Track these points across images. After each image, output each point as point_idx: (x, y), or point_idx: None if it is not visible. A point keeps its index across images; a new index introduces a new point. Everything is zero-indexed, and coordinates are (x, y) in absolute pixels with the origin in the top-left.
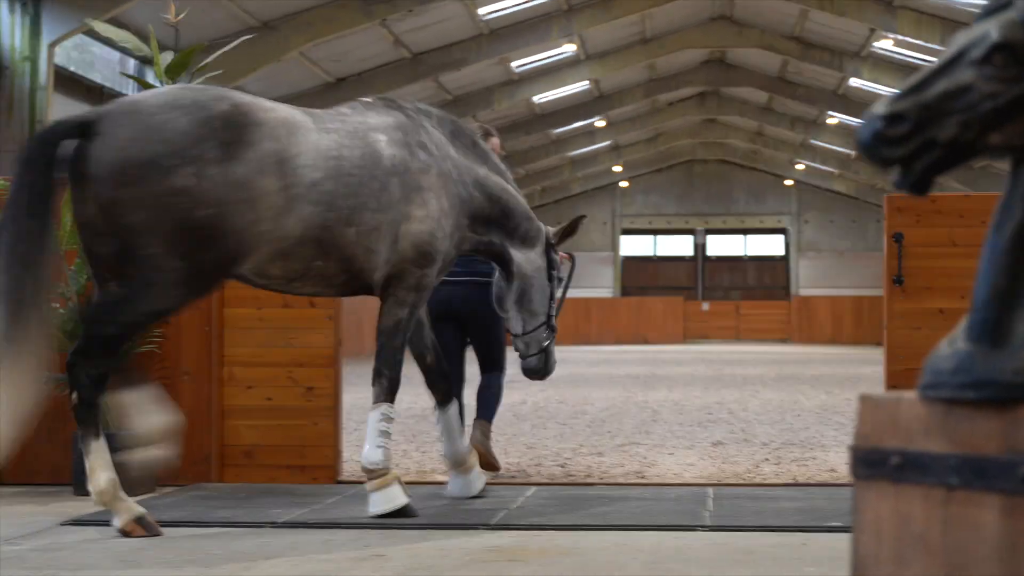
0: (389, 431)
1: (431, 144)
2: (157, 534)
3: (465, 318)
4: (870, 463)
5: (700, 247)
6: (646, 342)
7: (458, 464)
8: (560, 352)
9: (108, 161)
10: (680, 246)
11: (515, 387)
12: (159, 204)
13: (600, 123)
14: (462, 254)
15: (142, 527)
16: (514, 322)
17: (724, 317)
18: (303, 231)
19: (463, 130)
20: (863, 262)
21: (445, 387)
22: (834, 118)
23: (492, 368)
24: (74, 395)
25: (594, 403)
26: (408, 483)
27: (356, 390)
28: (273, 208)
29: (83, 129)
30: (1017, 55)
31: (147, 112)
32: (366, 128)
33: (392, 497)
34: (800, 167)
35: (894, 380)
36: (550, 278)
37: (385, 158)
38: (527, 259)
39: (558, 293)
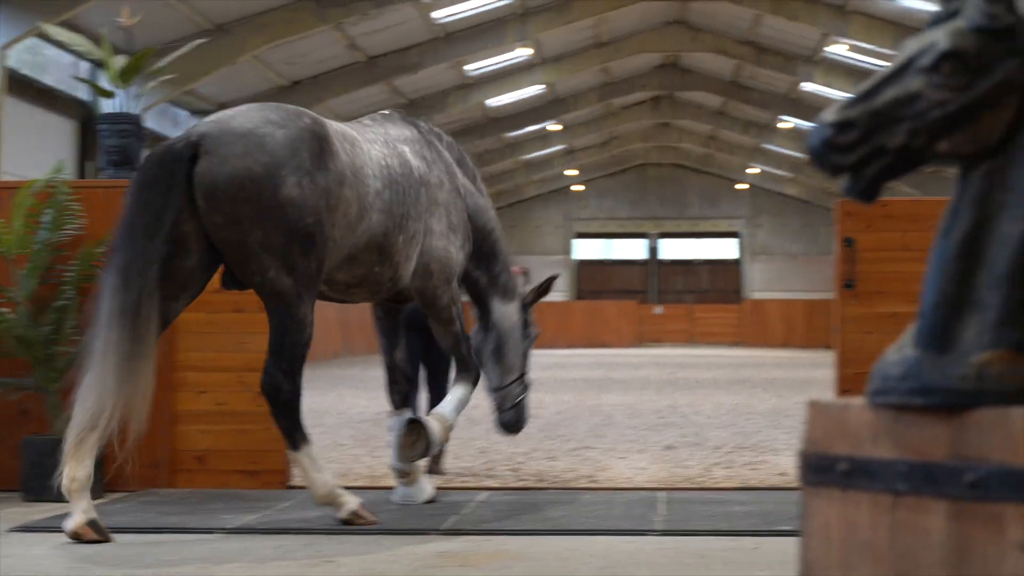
0: (459, 413)
1: (443, 162)
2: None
3: (425, 329)
4: (818, 469)
5: (653, 251)
6: (600, 345)
7: (405, 473)
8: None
9: (226, 179)
10: (634, 250)
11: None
12: (273, 218)
13: (554, 127)
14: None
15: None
16: (490, 376)
17: (678, 320)
18: (369, 238)
19: (467, 160)
20: (815, 266)
21: (406, 392)
22: (787, 122)
23: (439, 381)
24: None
25: (548, 407)
26: (360, 488)
27: (310, 394)
28: (348, 216)
29: (191, 149)
30: (966, 63)
31: (246, 129)
32: (392, 139)
33: (422, 489)
34: (753, 171)
35: (846, 384)
36: (525, 335)
37: (414, 168)
38: (506, 312)
39: (529, 349)
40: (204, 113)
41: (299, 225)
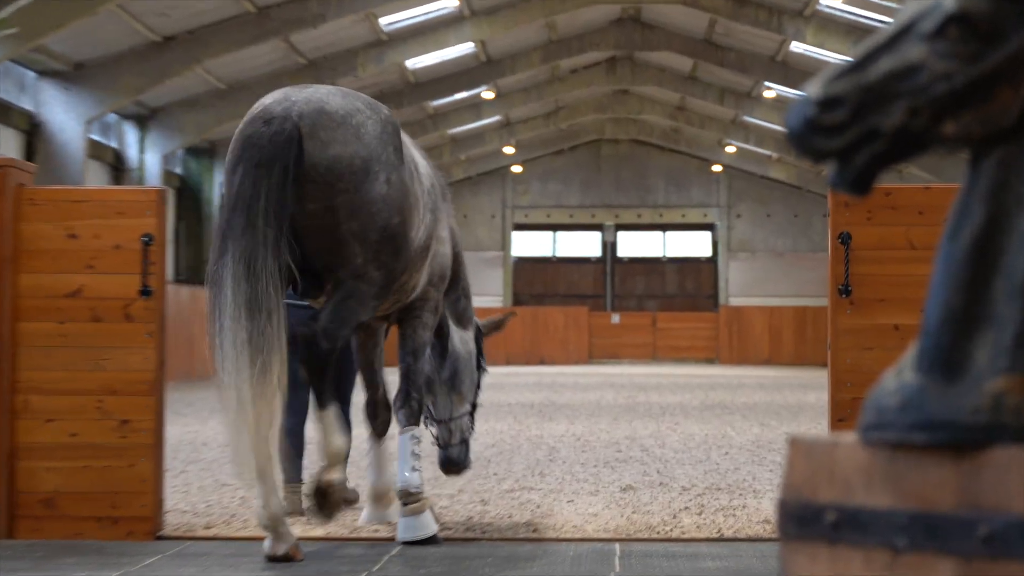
0: (420, 454)
1: (430, 166)
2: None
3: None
4: (801, 520)
5: (609, 246)
6: (542, 362)
7: (379, 497)
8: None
9: (327, 165)
10: (585, 245)
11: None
12: (370, 212)
13: (488, 94)
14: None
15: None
16: (441, 406)
17: (638, 332)
18: (425, 238)
19: (439, 175)
20: (806, 265)
21: (386, 418)
22: (772, 90)
23: (341, 401)
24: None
25: (477, 438)
26: (245, 539)
27: (183, 422)
28: (418, 214)
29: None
30: (976, 28)
31: (340, 115)
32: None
33: (425, 524)
34: (731, 149)
35: (841, 411)
36: (479, 366)
37: (423, 174)
38: (462, 339)
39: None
40: (57, 75)
41: (391, 223)
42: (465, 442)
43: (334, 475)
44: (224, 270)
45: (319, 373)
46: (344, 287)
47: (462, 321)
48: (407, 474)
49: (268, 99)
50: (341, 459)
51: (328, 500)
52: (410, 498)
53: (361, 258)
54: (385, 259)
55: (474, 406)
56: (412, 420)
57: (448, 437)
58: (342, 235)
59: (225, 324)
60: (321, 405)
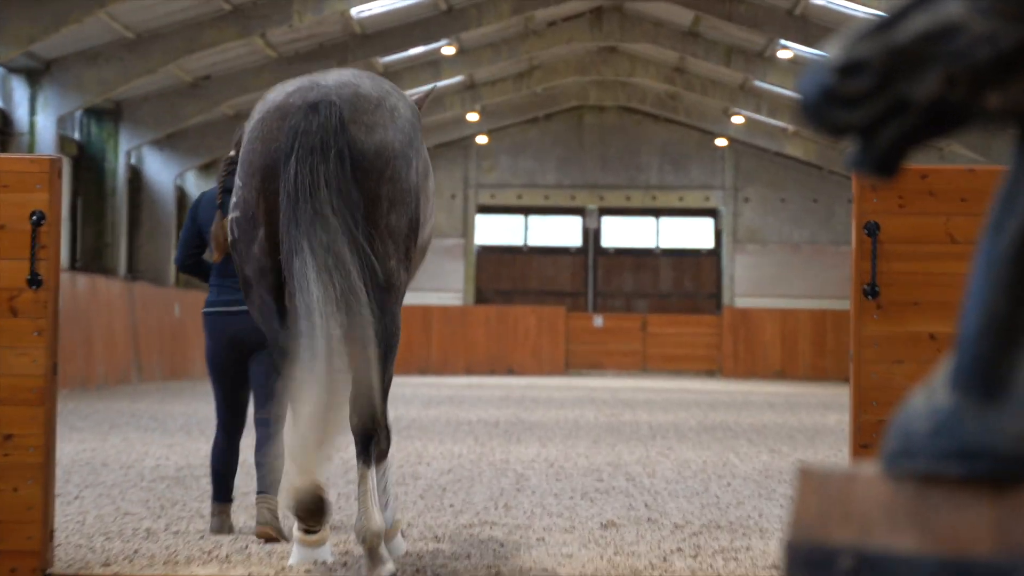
0: (389, 493)
1: None
2: None
3: (253, 353)
4: (812, 565)
5: (592, 234)
6: (510, 372)
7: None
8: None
9: (374, 150)
10: (563, 232)
11: None
12: (405, 202)
13: (448, 50)
14: None
15: None
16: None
17: (625, 338)
18: (428, 235)
19: None
20: (827, 260)
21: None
22: (788, 50)
23: (268, 412)
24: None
25: (430, 462)
26: None
27: (79, 438)
28: (430, 204)
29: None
30: None
31: (375, 97)
32: None
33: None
34: (738, 120)
35: (865, 436)
36: None
37: None
38: None
39: None
40: None
41: (417, 215)
42: None
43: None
44: (305, 266)
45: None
46: (377, 294)
47: None
48: (397, 513)
49: (290, 87)
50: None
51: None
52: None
53: (395, 260)
54: (412, 257)
55: None
56: (382, 458)
57: None
58: (381, 230)
59: (316, 323)
60: (365, 462)
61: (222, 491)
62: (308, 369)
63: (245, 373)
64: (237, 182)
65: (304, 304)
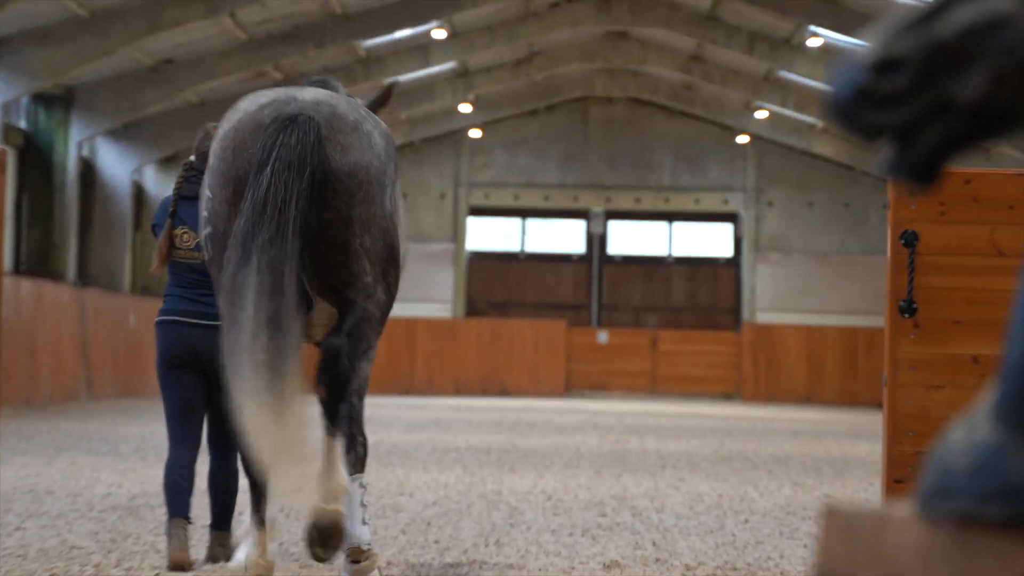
0: (367, 504)
1: None
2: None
3: (211, 371)
4: None
5: (597, 240)
6: (503, 393)
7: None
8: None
9: (348, 171)
10: (565, 237)
11: None
12: (381, 227)
13: (438, 33)
14: None
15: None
16: None
17: (633, 356)
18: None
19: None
20: (859, 272)
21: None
22: (818, 37)
23: (226, 441)
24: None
25: (414, 493)
26: None
27: (21, 463)
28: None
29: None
30: None
31: (355, 120)
32: None
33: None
34: (762, 115)
35: (899, 469)
36: None
37: None
38: None
39: None
40: None
41: (394, 241)
42: None
43: (337, 506)
44: (247, 282)
45: (335, 399)
46: (354, 311)
47: None
48: (357, 529)
49: (265, 98)
50: (339, 497)
51: (332, 537)
52: (361, 555)
53: (371, 276)
54: (390, 281)
55: None
56: (359, 467)
57: None
58: (354, 249)
59: (243, 342)
60: (331, 432)
61: (177, 506)
62: (234, 389)
63: (200, 385)
64: (206, 192)
65: (236, 323)
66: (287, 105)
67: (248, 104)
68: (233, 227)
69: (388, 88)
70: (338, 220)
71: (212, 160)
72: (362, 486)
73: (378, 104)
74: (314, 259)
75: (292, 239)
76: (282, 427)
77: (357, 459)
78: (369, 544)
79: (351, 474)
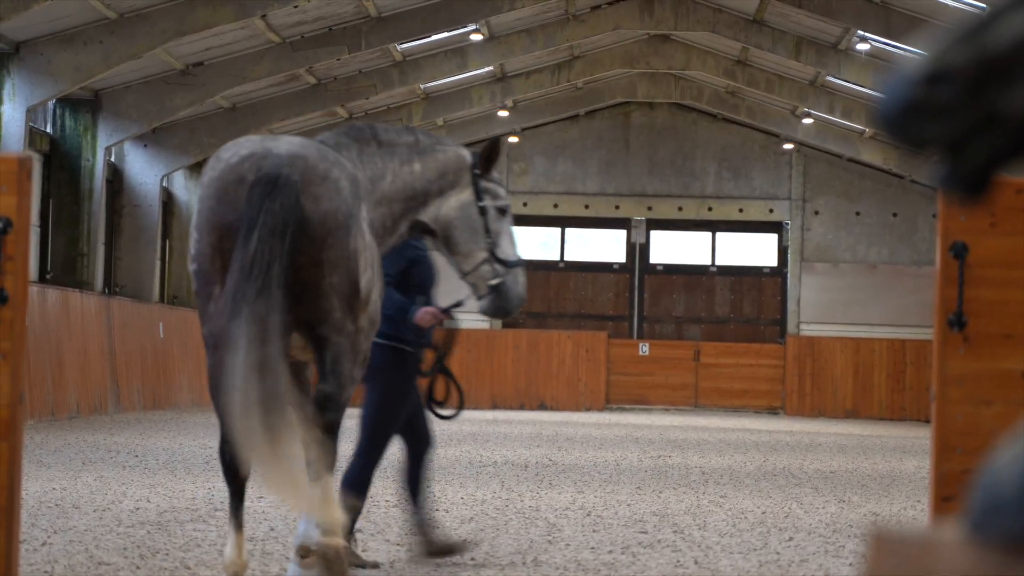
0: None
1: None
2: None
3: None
4: None
5: (638, 249)
6: (542, 407)
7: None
8: None
9: (319, 220)
10: (605, 247)
11: None
12: (348, 268)
13: (476, 36)
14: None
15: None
16: (456, 270)
17: (675, 368)
18: (376, 298)
19: (372, 138)
20: (907, 284)
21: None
22: (867, 42)
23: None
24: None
25: (450, 509)
26: None
27: (48, 476)
28: (366, 275)
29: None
30: None
31: (320, 169)
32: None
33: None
34: (808, 122)
35: (948, 487)
36: (481, 211)
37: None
38: (444, 206)
39: (501, 222)
40: None
41: (361, 280)
42: (495, 290)
43: (337, 538)
44: (238, 331)
45: (331, 438)
46: (329, 348)
47: (443, 191)
48: (310, 529)
49: (244, 150)
50: (337, 529)
51: (336, 565)
52: (307, 554)
53: (339, 312)
54: (357, 312)
55: (491, 249)
56: (327, 472)
57: (475, 292)
58: (324, 289)
59: (236, 385)
60: (325, 468)
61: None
62: (231, 431)
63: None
64: (193, 233)
65: (229, 370)
66: (264, 160)
67: (229, 155)
68: (213, 266)
69: (494, 143)
70: (310, 263)
71: (199, 205)
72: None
73: (487, 160)
74: (288, 298)
75: (276, 292)
76: (276, 459)
77: (323, 464)
78: (317, 545)
79: (320, 477)
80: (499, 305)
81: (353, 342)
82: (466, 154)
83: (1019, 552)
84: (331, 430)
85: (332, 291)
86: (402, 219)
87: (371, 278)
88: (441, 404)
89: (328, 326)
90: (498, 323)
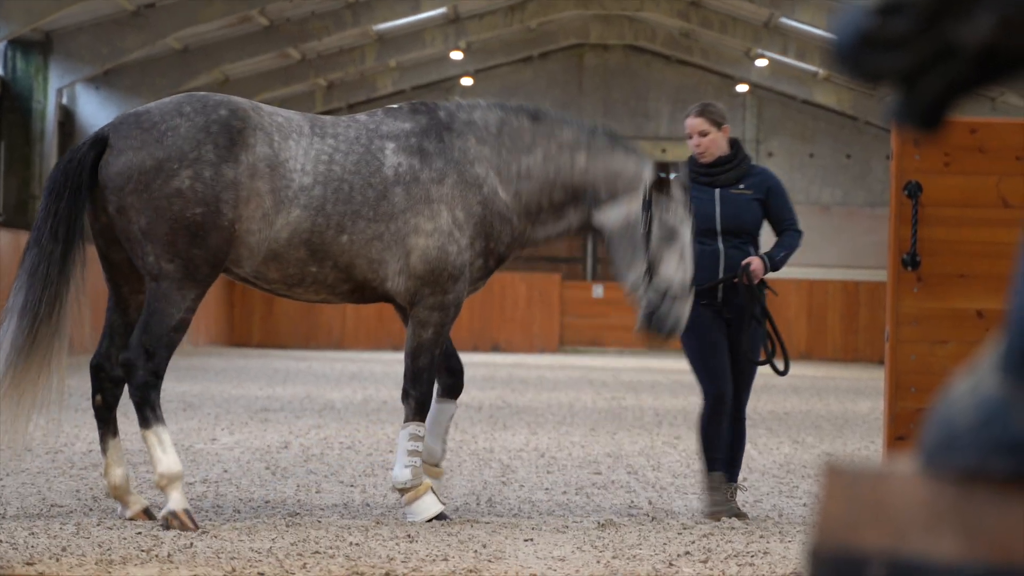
0: (419, 449)
1: (456, 150)
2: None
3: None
4: (840, 572)
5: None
6: (495, 349)
7: (404, 490)
8: (353, 362)
9: (117, 170)
10: None
11: (273, 423)
12: (158, 207)
13: None
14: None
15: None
16: (620, 280)
17: (628, 310)
18: (290, 234)
19: (513, 115)
20: (861, 225)
21: (449, 382)
22: None
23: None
24: (97, 397)
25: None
26: None
27: None
28: (262, 209)
29: (98, 145)
30: None
31: (151, 121)
32: (373, 135)
33: (428, 506)
34: (762, 63)
35: (901, 426)
36: (647, 230)
37: (387, 167)
38: (614, 214)
39: (667, 246)
40: None
41: (185, 215)
42: (652, 310)
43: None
44: (16, 281)
45: (143, 396)
46: (145, 300)
47: (614, 196)
48: (396, 470)
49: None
50: (166, 486)
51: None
52: (403, 491)
53: (152, 256)
54: (178, 250)
55: (650, 266)
56: (411, 416)
57: (636, 308)
58: (134, 233)
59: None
60: (143, 423)
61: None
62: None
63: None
64: None
65: (4, 311)
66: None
67: None
68: None
69: (682, 182)
70: (116, 211)
71: None
72: (412, 435)
73: (664, 186)
74: (120, 254)
75: (48, 244)
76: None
77: (409, 410)
78: (405, 483)
79: (404, 422)
80: (651, 330)
81: (181, 279)
82: (646, 171)
83: (973, 483)
84: (133, 390)
85: (144, 236)
86: (569, 209)
87: (313, 225)
88: None
89: (144, 271)
90: None
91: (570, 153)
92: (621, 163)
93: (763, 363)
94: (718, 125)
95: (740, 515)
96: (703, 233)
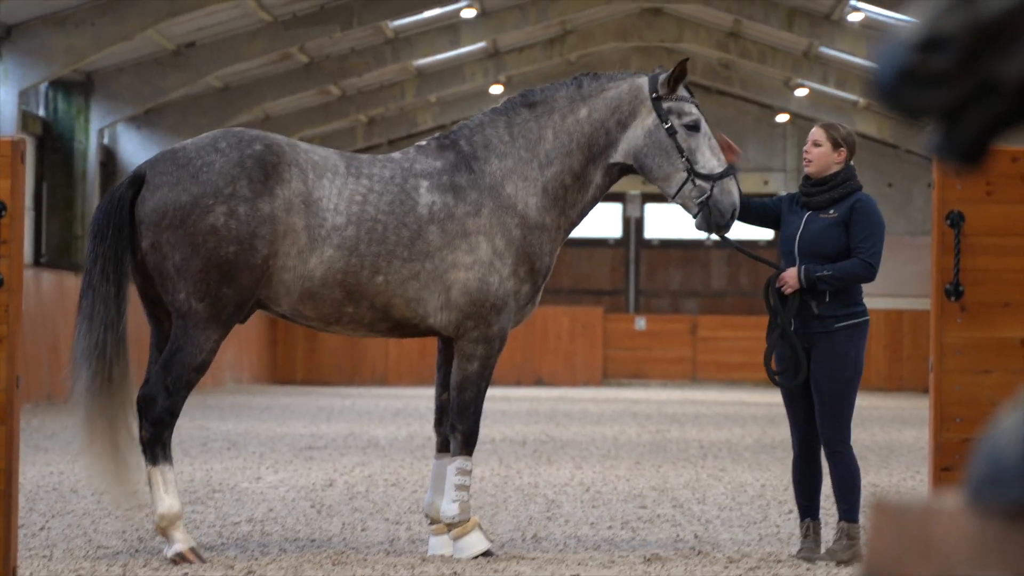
0: (467, 484)
1: (487, 175)
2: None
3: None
4: None
5: (633, 224)
6: (539, 383)
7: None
8: (398, 398)
9: (153, 207)
10: (600, 222)
11: (317, 461)
12: (194, 244)
13: (468, 12)
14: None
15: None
16: (665, 193)
17: (672, 342)
18: (324, 273)
19: (513, 114)
20: (903, 254)
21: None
22: (860, 11)
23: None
24: (143, 432)
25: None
26: None
27: (45, 460)
28: (297, 245)
29: (136, 182)
30: None
31: (187, 157)
32: (408, 174)
33: (475, 543)
34: (801, 93)
35: (947, 457)
36: (669, 132)
37: (421, 206)
38: (632, 137)
39: (694, 137)
40: None
41: (219, 253)
42: (704, 206)
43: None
44: (77, 325)
45: (157, 432)
46: (171, 337)
47: (624, 125)
48: (445, 505)
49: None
50: (166, 528)
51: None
52: (453, 527)
53: (184, 292)
54: (209, 288)
55: (690, 167)
56: (459, 451)
57: (687, 210)
58: (167, 269)
59: (73, 372)
60: (151, 460)
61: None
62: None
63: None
64: None
65: (72, 356)
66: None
67: None
68: None
69: (682, 64)
70: (151, 247)
71: None
72: (459, 469)
73: (674, 81)
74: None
75: (102, 287)
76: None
77: (456, 444)
78: (453, 518)
79: (452, 455)
80: (712, 220)
81: (207, 319)
82: (641, 81)
83: (1020, 519)
84: (149, 425)
85: (177, 273)
86: (589, 169)
87: (347, 264)
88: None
89: (172, 307)
90: None
91: (572, 113)
92: (615, 91)
93: (776, 377)
94: (834, 143)
95: (839, 559)
96: (785, 255)
